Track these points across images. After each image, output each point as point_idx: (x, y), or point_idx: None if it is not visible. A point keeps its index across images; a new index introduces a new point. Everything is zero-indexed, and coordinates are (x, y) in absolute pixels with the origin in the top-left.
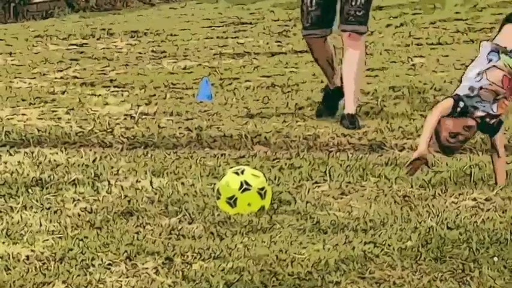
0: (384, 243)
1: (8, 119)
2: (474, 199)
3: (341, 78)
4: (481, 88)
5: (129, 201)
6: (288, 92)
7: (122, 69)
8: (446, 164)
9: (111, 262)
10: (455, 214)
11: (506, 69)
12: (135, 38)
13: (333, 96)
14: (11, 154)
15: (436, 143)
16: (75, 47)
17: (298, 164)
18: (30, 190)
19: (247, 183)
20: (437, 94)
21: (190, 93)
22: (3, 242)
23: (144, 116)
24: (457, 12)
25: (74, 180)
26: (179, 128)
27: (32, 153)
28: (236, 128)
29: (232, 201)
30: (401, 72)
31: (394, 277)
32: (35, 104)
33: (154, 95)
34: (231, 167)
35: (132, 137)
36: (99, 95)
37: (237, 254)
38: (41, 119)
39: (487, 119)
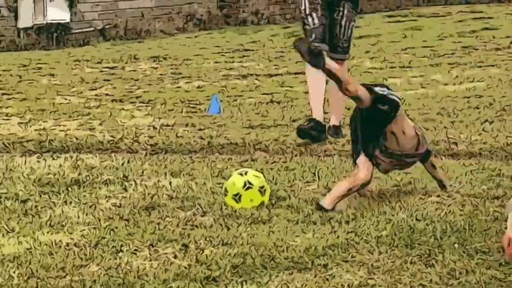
0: (363, 232)
1: (52, 129)
2: (438, 196)
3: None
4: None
5: (151, 197)
6: (284, 107)
7: (146, 88)
8: (415, 167)
9: (137, 248)
10: (422, 208)
11: None
12: (157, 62)
13: (317, 128)
14: (53, 158)
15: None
16: (107, 69)
17: (292, 167)
18: (69, 188)
19: (249, 183)
20: (407, 108)
21: (203, 108)
22: (48, 232)
23: (164, 127)
24: (424, 41)
25: (106, 180)
26: (193, 136)
27: (71, 157)
28: (240, 136)
29: (237, 197)
30: None
31: (372, 260)
32: (73, 117)
33: (173, 109)
34: (236, 169)
35: (154, 144)
36: (127, 109)
37: (241, 242)
38: (79, 129)
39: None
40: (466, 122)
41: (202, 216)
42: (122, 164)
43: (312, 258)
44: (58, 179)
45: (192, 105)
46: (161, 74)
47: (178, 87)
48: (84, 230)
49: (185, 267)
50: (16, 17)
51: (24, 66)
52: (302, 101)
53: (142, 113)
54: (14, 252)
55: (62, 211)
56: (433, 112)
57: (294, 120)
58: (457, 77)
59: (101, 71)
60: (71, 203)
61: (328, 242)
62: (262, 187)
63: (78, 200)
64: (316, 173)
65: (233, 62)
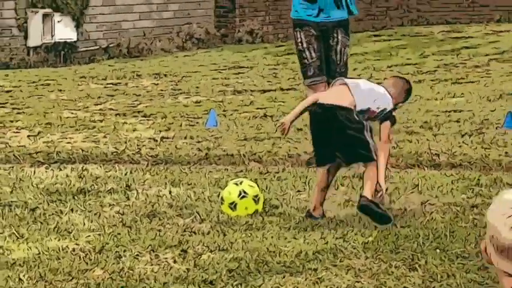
0: (350, 238)
1: (59, 141)
2: (421, 204)
3: None
4: None
5: (152, 205)
6: (277, 120)
7: (148, 103)
8: (400, 177)
9: (138, 253)
10: (406, 215)
11: None
12: (158, 79)
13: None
14: (60, 169)
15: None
16: (111, 85)
17: (284, 177)
18: (75, 197)
19: (244, 192)
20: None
21: (201, 121)
22: (55, 238)
23: (164, 139)
24: (408, 59)
25: (110, 189)
26: (192, 148)
27: (77, 168)
28: (236, 148)
29: (233, 206)
30: None
31: (358, 265)
32: (79, 130)
33: (173, 123)
34: (232, 179)
35: (155, 156)
36: (130, 123)
37: (236, 247)
38: (84, 141)
39: None
40: (447, 134)
41: (200, 223)
42: (125, 174)
43: (303, 262)
44: (65, 188)
45: (190, 119)
46: (162, 90)
47: (177, 102)
48: (89, 236)
49: (184, 271)
50: (26, 36)
51: (34, 82)
52: None
53: (144, 126)
54: (24, 257)
55: (69, 218)
56: (416, 125)
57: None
58: (438, 92)
59: (105, 87)
60: (77, 210)
61: (318, 248)
62: (256, 196)
63: (84, 208)
64: (306, 183)
65: (229, 78)
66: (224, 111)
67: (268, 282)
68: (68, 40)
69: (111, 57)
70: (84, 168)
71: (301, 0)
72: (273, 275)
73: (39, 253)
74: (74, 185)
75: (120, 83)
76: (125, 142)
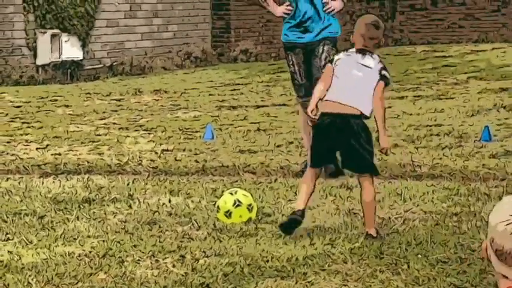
0: (338, 244)
1: (66, 153)
2: (405, 211)
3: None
4: None
5: (153, 214)
6: (270, 134)
7: (149, 118)
8: (384, 187)
9: (140, 258)
10: (390, 223)
11: None
12: (158, 95)
13: None
14: (67, 179)
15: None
16: (114, 101)
17: (276, 187)
18: (81, 206)
19: (239, 201)
20: (377, 135)
21: (198, 135)
22: (62, 244)
23: (164, 152)
24: (392, 76)
25: (113, 198)
26: (190, 160)
27: (83, 178)
28: (231, 160)
29: (228, 214)
30: None
31: (346, 269)
32: (85, 143)
33: (172, 136)
34: (227, 189)
35: (156, 167)
36: (132, 136)
37: (231, 253)
38: (90, 154)
39: None
40: (428, 147)
41: (198, 230)
42: (127, 184)
43: (294, 267)
44: (71, 198)
45: (189, 133)
46: (162, 106)
47: (177, 116)
48: (93, 242)
49: (182, 275)
50: (35, 55)
51: (42, 98)
52: (285, 129)
53: (145, 140)
54: (32, 262)
55: (75, 226)
56: (400, 139)
57: (278, 146)
58: (421, 108)
59: (109, 103)
60: (82, 218)
61: (308, 253)
62: (250, 205)
63: (89, 216)
64: (297, 192)
65: (225, 94)
66: (220, 125)
67: (261, 285)
68: (75, 59)
69: (114, 74)
70: (89, 178)
71: (288, 26)
72: (265, 278)
73: (47, 258)
74: (79, 195)
75: (123, 99)
76: (128, 154)
